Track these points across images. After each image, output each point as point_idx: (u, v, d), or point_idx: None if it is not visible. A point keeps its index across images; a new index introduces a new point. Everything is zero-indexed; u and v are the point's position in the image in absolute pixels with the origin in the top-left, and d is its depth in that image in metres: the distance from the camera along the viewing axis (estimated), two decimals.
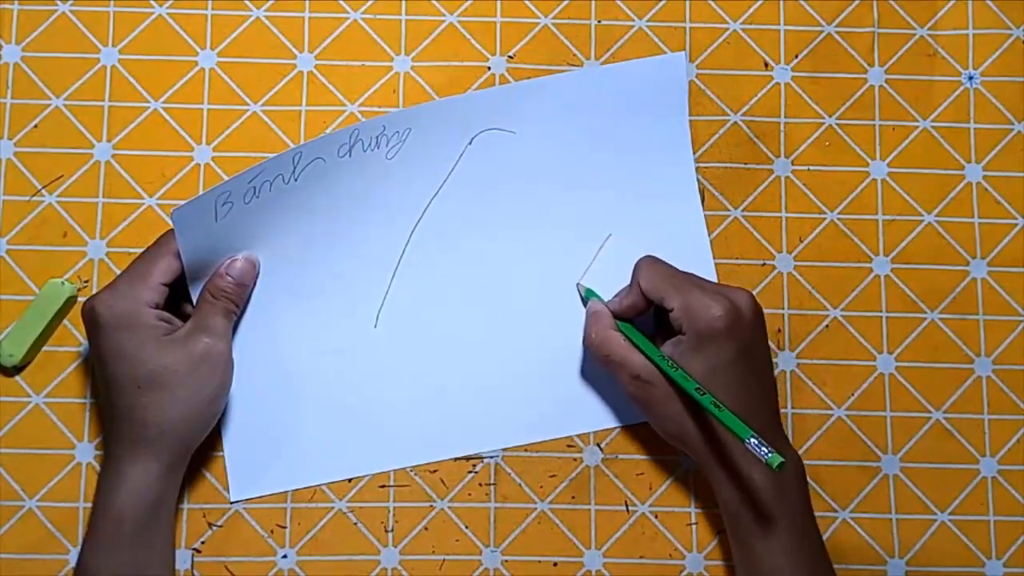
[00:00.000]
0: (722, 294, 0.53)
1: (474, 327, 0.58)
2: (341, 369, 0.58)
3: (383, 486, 0.57)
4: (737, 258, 0.60)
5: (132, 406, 0.52)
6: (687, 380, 0.51)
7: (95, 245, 0.59)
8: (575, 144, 0.59)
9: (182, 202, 0.52)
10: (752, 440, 0.48)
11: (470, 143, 0.58)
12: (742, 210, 0.61)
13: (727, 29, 0.62)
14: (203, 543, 0.57)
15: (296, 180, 0.54)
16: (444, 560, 0.57)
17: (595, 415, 0.58)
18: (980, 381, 0.59)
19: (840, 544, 0.58)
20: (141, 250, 0.55)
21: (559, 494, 0.58)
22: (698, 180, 0.60)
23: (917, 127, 0.62)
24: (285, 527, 0.57)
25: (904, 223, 0.61)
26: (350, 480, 0.57)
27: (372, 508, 0.57)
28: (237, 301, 0.55)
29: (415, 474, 0.58)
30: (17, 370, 0.58)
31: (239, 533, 0.57)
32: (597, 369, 0.57)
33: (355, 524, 0.57)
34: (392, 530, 0.57)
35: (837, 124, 0.62)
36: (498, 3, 0.62)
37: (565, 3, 0.62)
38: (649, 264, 0.56)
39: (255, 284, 0.57)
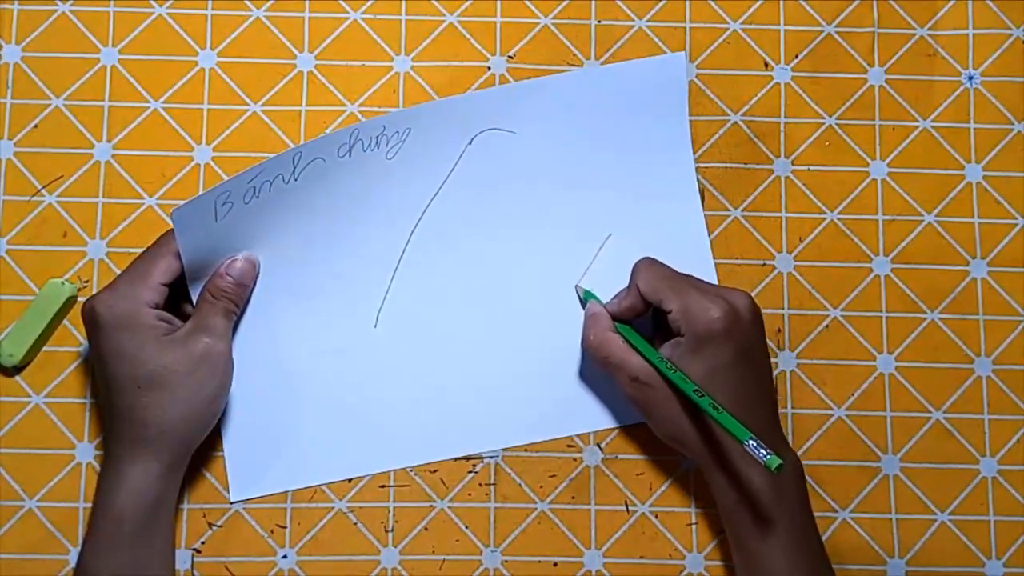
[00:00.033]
0: (720, 296, 0.53)
1: (474, 327, 0.58)
2: (341, 369, 0.58)
3: (383, 486, 0.57)
4: (737, 258, 0.60)
5: (132, 406, 0.52)
6: (686, 382, 0.51)
7: (95, 245, 0.59)
8: (575, 144, 0.59)
9: (182, 202, 0.52)
10: (751, 442, 0.48)
11: (470, 143, 0.58)
12: (742, 210, 0.61)
13: (727, 29, 0.62)
14: (203, 543, 0.57)
15: (296, 180, 0.54)
16: (444, 560, 0.57)
17: (595, 415, 0.58)
18: (980, 381, 0.59)
19: (840, 544, 0.58)
20: (141, 250, 0.55)
21: (559, 494, 0.58)
22: (698, 180, 0.60)
23: (917, 127, 0.62)
24: (285, 527, 0.57)
25: (904, 223, 0.61)
26: (350, 480, 0.57)
27: (372, 508, 0.57)
28: (237, 301, 0.55)
29: (415, 474, 0.58)
30: (17, 370, 0.58)
31: (239, 533, 0.57)
32: (596, 370, 0.57)
33: (355, 524, 0.57)
34: (392, 530, 0.57)
35: (837, 124, 0.62)
36: (498, 3, 0.62)
37: (565, 3, 0.62)
38: (647, 266, 0.56)
39: (255, 284, 0.57)
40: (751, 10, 0.62)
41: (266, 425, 0.57)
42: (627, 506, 0.58)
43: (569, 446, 0.58)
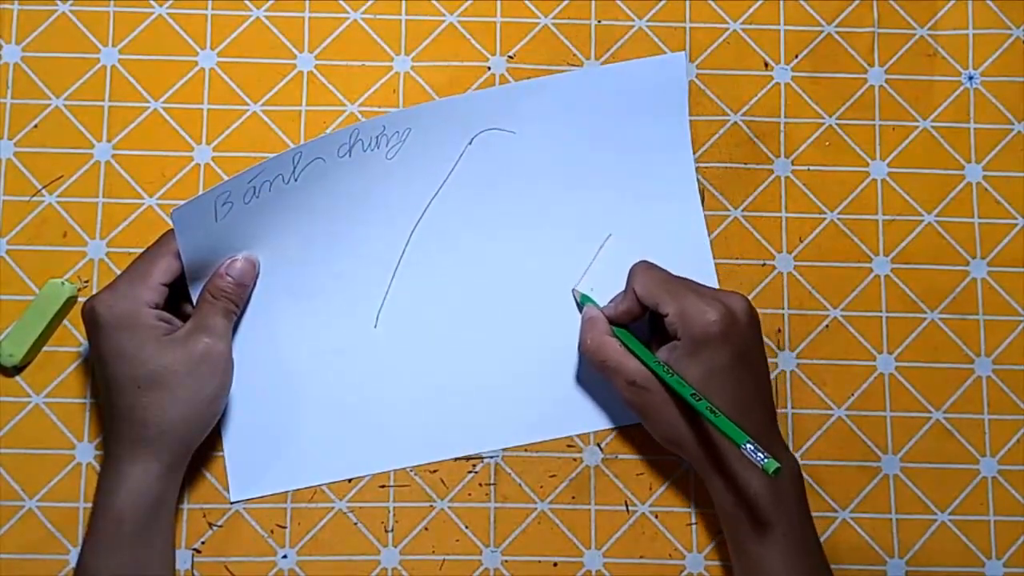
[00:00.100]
0: (717, 299, 0.53)
1: (474, 327, 0.58)
2: (341, 369, 0.58)
3: (383, 486, 0.57)
4: (737, 258, 0.60)
5: (132, 406, 0.52)
6: (683, 385, 0.51)
7: (95, 245, 0.59)
8: (575, 144, 0.59)
9: (182, 202, 0.52)
10: (748, 446, 0.48)
11: (470, 143, 0.58)
12: (742, 210, 0.61)
13: (727, 29, 0.62)
14: (203, 543, 0.57)
15: (296, 180, 0.54)
16: (444, 560, 0.57)
17: (595, 415, 0.58)
18: (980, 381, 0.59)
19: (840, 544, 0.58)
20: (141, 250, 0.55)
21: (559, 494, 0.58)
22: (698, 180, 0.60)
23: (917, 127, 0.62)
24: (285, 527, 0.57)
25: (904, 223, 0.61)
26: (350, 480, 0.57)
27: (372, 508, 0.57)
28: (237, 301, 0.55)
29: (415, 474, 0.58)
30: (17, 370, 0.58)
31: (239, 533, 0.57)
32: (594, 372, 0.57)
33: (355, 524, 0.57)
34: (392, 530, 0.57)
35: (837, 124, 0.62)
36: (498, 3, 0.62)
37: (565, 3, 0.62)
38: (644, 269, 0.56)
39: (255, 284, 0.57)
40: (751, 10, 0.62)
41: (266, 425, 0.57)
42: (627, 506, 0.58)
43: (569, 446, 0.58)
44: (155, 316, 0.53)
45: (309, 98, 0.61)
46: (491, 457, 0.58)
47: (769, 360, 0.59)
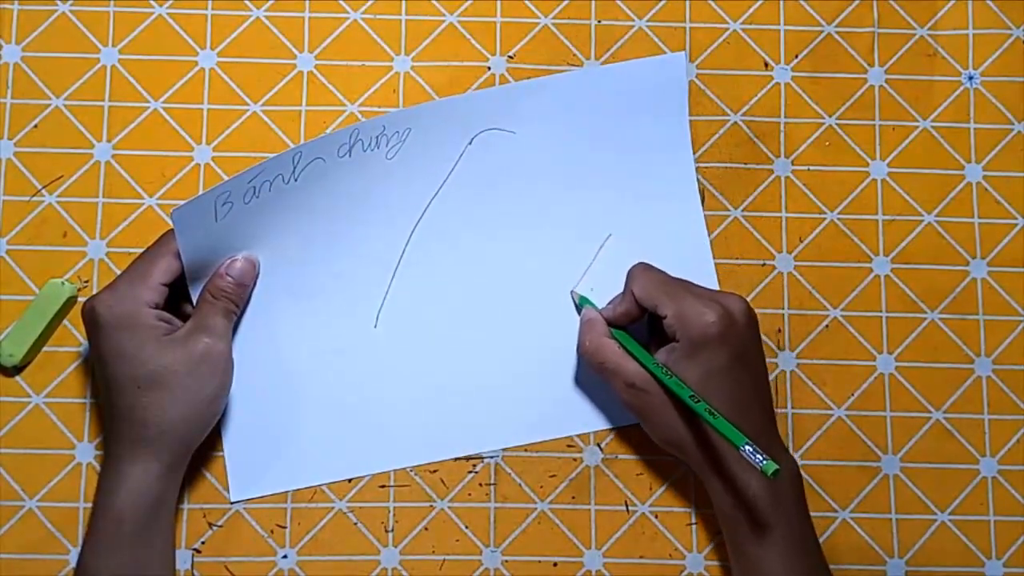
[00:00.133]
0: (715, 300, 0.53)
1: (474, 327, 0.58)
2: (341, 369, 0.58)
3: (383, 486, 0.57)
4: (737, 258, 0.60)
5: (132, 406, 0.52)
6: (681, 387, 0.51)
7: (95, 245, 0.59)
8: (575, 144, 0.59)
9: (182, 202, 0.52)
10: (747, 447, 0.48)
11: (470, 143, 0.58)
12: (742, 210, 0.61)
13: (727, 29, 0.62)
14: (203, 543, 0.57)
15: (296, 180, 0.54)
16: (444, 560, 0.57)
17: (595, 415, 0.58)
18: (980, 381, 0.59)
19: (840, 544, 0.58)
20: (141, 250, 0.55)
21: (559, 494, 0.58)
22: (698, 180, 0.60)
23: (917, 127, 0.62)
24: (285, 527, 0.57)
25: (904, 223, 0.61)
26: (350, 480, 0.57)
27: (372, 508, 0.57)
28: (237, 301, 0.55)
29: (415, 474, 0.58)
30: (17, 370, 0.58)
31: (239, 533, 0.57)
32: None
33: (355, 524, 0.57)
34: (392, 530, 0.57)
35: (837, 124, 0.62)
36: (498, 3, 0.62)
37: (565, 3, 0.62)
38: (642, 271, 0.56)
39: (255, 284, 0.57)
40: (751, 10, 0.62)
41: (266, 425, 0.57)
42: (627, 506, 0.58)
43: (569, 446, 0.58)
44: (155, 316, 0.53)
45: (309, 98, 0.61)
46: (491, 457, 0.58)
47: (769, 360, 0.59)
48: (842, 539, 0.58)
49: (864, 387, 0.59)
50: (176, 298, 0.55)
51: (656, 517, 0.58)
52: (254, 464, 0.57)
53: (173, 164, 0.60)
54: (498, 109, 0.58)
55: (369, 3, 0.62)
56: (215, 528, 0.57)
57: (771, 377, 0.59)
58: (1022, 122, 0.62)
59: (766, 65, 0.62)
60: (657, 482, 0.58)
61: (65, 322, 0.58)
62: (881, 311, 0.60)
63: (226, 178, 0.57)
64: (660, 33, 0.62)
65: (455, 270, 0.59)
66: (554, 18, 0.62)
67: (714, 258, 0.60)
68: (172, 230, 0.53)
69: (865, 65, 0.62)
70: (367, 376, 0.58)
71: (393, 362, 0.58)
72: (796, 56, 0.62)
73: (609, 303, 0.57)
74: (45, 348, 0.58)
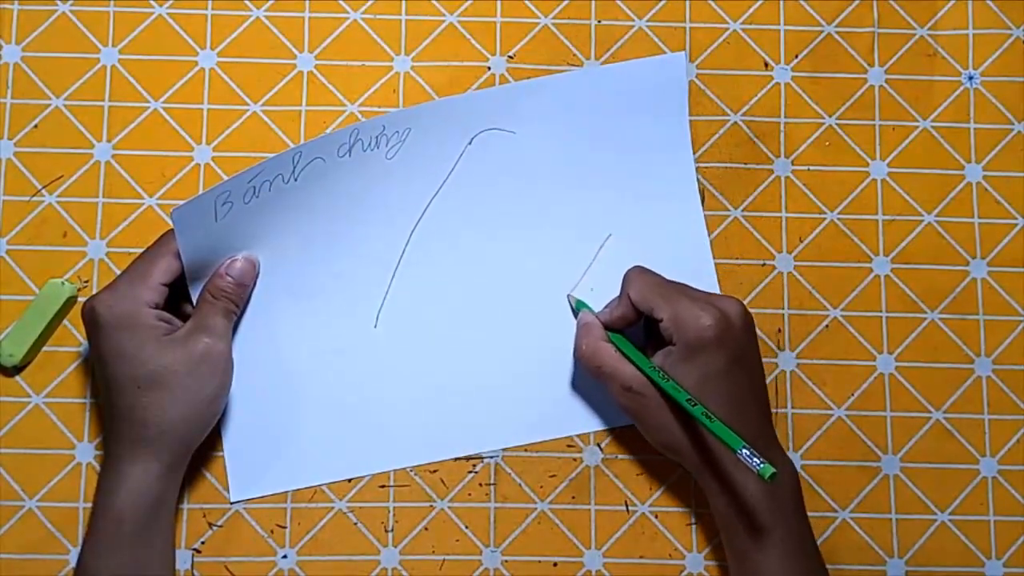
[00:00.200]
0: (712, 303, 0.53)
1: (474, 327, 0.58)
2: (341, 369, 0.58)
3: (383, 486, 0.57)
4: (737, 258, 0.60)
5: (132, 406, 0.52)
6: (678, 391, 0.51)
7: (95, 245, 0.59)
8: (575, 144, 0.59)
9: (182, 202, 0.52)
10: (744, 451, 0.48)
11: (470, 143, 0.58)
12: (742, 210, 0.61)
13: (727, 29, 0.62)
14: (203, 543, 0.57)
15: (296, 180, 0.54)
16: (444, 560, 0.57)
17: (596, 416, 0.58)
18: (980, 381, 0.59)
19: (840, 544, 0.58)
20: (141, 250, 0.55)
21: (559, 494, 0.58)
22: (698, 180, 0.60)
23: (917, 127, 0.62)
24: (285, 527, 0.57)
25: (904, 223, 0.61)
26: (350, 480, 0.57)
27: (372, 508, 0.57)
28: (237, 301, 0.55)
29: (415, 474, 0.58)
30: (17, 370, 0.58)
31: (239, 533, 0.57)
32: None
33: (355, 524, 0.57)
34: (392, 530, 0.57)
35: (837, 124, 0.62)
36: (498, 3, 0.62)
37: (565, 3, 0.62)
38: (638, 275, 0.56)
39: (255, 284, 0.57)
40: (751, 10, 0.62)
41: (266, 425, 0.57)
42: (627, 506, 0.58)
43: (569, 446, 0.58)
44: (155, 316, 0.53)
45: (309, 98, 0.61)
46: (491, 457, 0.58)
47: (769, 360, 0.59)
48: (842, 539, 0.58)
49: (864, 387, 0.59)
50: (176, 298, 0.55)
51: (656, 517, 0.58)
52: (254, 464, 0.57)
53: (173, 164, 0.60)
54: (498, 109, 0.58)
55: (369, 3, 0.62)
56: (215, 528, 0.57)
57: (771, 377, 0.59)
58: (1022, 122, 0.62)
59: (766, 65, 0.62)
60: (657, 482, 0.58)
61: (65, 322, 0.58)
62: (881, 311, 0.60)
63: (226, 178, 0.57)
64: (660, 33, 0.62)
65: (455, 270, 0.59)
66: (554, 18, 0.62)
67: (714, 258, 0.60)
68: (172, 230, 0.53)
69: (865, 65, 0.62)
70: (367, 376, 0.58)
71: (393, 362, 0.58)
72: (796, 56, 0.62)
73: (605, 307, 0.57)
74: (45, 348, 0.58)
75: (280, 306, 0.57)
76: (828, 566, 0.54)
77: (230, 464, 0.57)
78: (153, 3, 0.61)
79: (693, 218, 0.60)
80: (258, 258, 0.56)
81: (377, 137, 0.56)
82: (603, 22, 0.62)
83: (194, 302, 0.55)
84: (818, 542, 0.55)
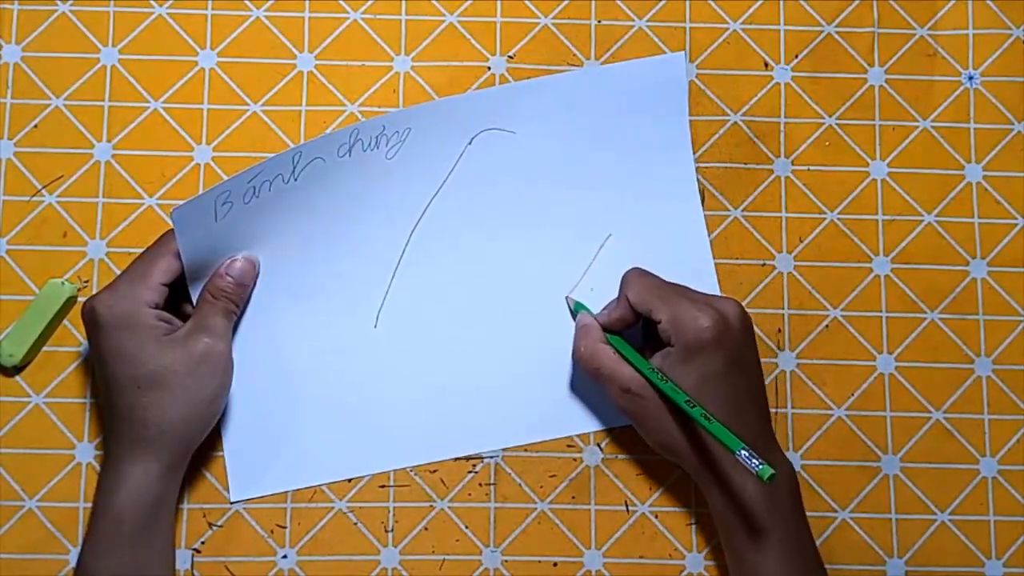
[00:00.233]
0: (710, 305, 0.53)
1: (474, 327, 0.58)
2: (341, 369, 0.58)
3: (383, 486, 0.57)
4: (737, 258, 0.60)
5: (132, 406, 0.52)
6: (677, 392, 0.51)
7: (95, 245, 0.59)
8: (575, 144, 0.59)
9: (182, 202, 0.52)
10: (743, 452, 0.48)
11: (470, 143, 0.58)
12: (742, 210, 0.61)
13: (727, 29, 0.62)
14: (203, 543, 0.57)
15: (296, 180, 0.54)
16: (444, 560, 0.57)
17: (595, 416, 0.58)
18: (980, 381, 0.59)
19: (840, 544, 0.58)
20: (141, 250, 0.55)
21: (559, 494, 0.58)
22: (698, 180, 0.60)
23: (917, 127, 0.62)
24: (285, 527, 0.57)
25: (904, 223, 0.61)
26: (350, 480, 0.57)
27: (372, 508, 0.57)
28: (237, 301, 0.55)
29: (415, 474, 0.58)
30: (17, 370, 0.58)
31: (239, 533, 0.57)
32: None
33: (355, 524, 0.57)
34: (392, 530, 0.57)
35: (837, 124, 0.62)
36: (498, 3, 0.62)
37: (565, 3, 0.62)
38: (637, 276, 0.56)
39: (255, 284, 0.57)
40: (751, 10, 0.62)
41: (266, 425, 0.57)
42: (627, 506, 0.58)
43: (569, 446, 0.58)
44: (155, 316, 0.53)
45: (309, 98, 0.61)
46: (491, 457, 0.58)
47: (769, 360, 0.59)
48: (842, 539, 0.58)
49: (864, 387, 0.59)
50: (176, 298, 0.55)
51: (656, 517, 0.58)
52: (254, 464, 0.57)
53: (173, 164, 0.60)
54: (498, 109, 0.58)
55: (369, 3, 0.62)
56: (215, 528, 0.57)
57: (771, 377, 0.59)
58: (1022, 122, 0.62)
59: (766, 65, 0.62)
60: (657, 482, 0.58)
61: (65, 322, 0.58)
62: (881, 311, 0.60)
63: (226, 178, 0.57)
64: (660, 33, 0.62)
65: (455, 270, 0.59)
66: (554, 18, 0.62)
67: (714, 258, 0.60)
68: (172, 230, 0.53)
69: (865, 65, 0.62)
70: (367, 376, 0.58)
71: (393, 362, 0.58)
72: (796, 56, 0.62)
73: (604, 308, 0.57)
74: (45, 348, 0.58)
75: (280, 306, 0.57)
76: (828, 566, 0.54)
77: (230, 464, 0.57)
78: (153, 3, 0.61)
79: (693, 218, 0.60)
80: (258, 258, 0.56)
81: (377, 137, 0.56)
82: (603, 22, 0.62)
83: (194, 302, 0.55)
84: (818, 542, 0.55)
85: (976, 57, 0.62)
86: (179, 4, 0.61)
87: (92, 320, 0.52)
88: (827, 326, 0.60)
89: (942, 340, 0.60)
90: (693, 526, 0.57)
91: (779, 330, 0.60)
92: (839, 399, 0.59)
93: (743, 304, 0.57)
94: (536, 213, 0.59)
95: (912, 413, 0.59)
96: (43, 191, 0.59)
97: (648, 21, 0.62)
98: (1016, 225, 0.61)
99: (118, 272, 0.56)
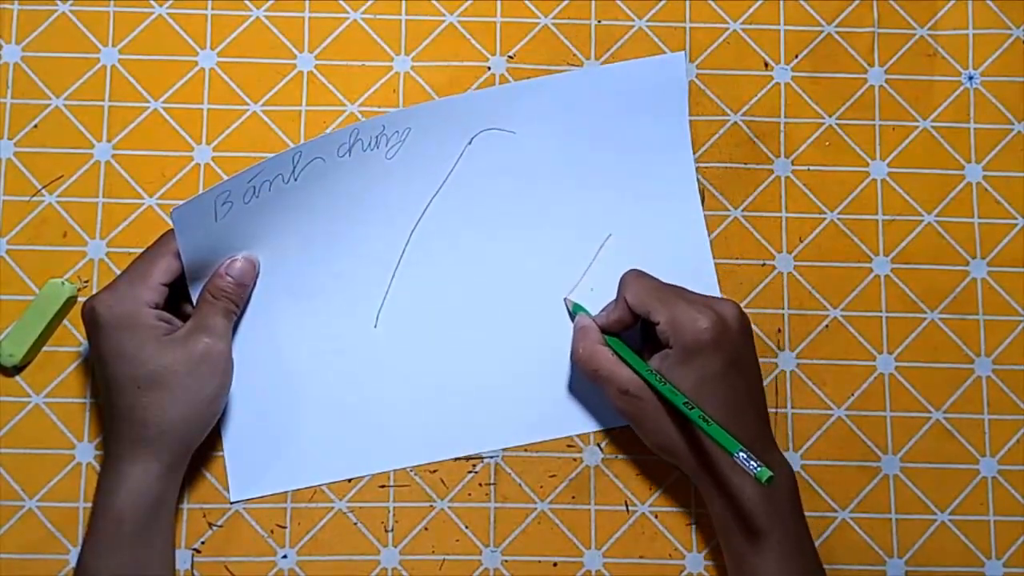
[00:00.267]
0: (708, 306, 0.53)
1: (474, 327, 0.58)
2: (341, 369, 0.58)
3: (383, 486, 0.57)
4: (737, 258, 0.60)
5: (132, 406, 0.52)
6: (675, 394, 0.51)
7: (95, 245, 0.59)
8: (575, 144, 0.59)
9: (182, 202, 0.52)
10: (741, 454, 0.48)
11: (470, 143, 0.58)
12: (742, 210, 0.61)
13: (727, 29, 0.62)
14: (203, 543, 0.57)
15: (296, 180, 0.54)
16: (444, 560, 0.57)
17: (596, 415, 0.58)
18: (980, 381, 0.59)
19: (840, 544, 0.58)
20: (141, 250, 0.55)
21: (559, 494, 0.58)
22: (698, 180, 0.60)
23: (917, 127, 0.62)
24: (285, 527, 0.57)
25: (904, 223, 0.61)
26: (350, 480, 0.57)
27: (372, 508, 0.57)
28: (237, 301, 0.55)
29: (415, 474, 0.58)
30: (17, 370, 0.58)
31: (239, 533, 0.57)
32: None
33: (355, 524, 0.57)
34: (392, 530, 0.57)
35: (837, 124, 0.62)
36: (498, 3, 0.62)
37: (565, 3, 0.62)
38: (635, 278, 0.56)
39: (255, 284, 0.57)
40: (751, 10, 0.62)
41: (266, 425, 0.57)
42: (627, 506, 0.58)
43: (569, 446, 0.58)
44: (155, 316, 0.53)
45: (309, 98, 0.61)
46: (491, 457, 0.58)
47: (769, 360, 0.59)
48: (842, 539, 0.58)
49: (864, 387, 0.59)
50: (176, 298, 0.55)
51: (656, 517, 0.58)
52: (254, 464, 0.57)
53: (173, 164, 0.60)
54: (498, 109, 0.58)
55: (369, 3, 0.62)
56: (215, 528, 0.57)
57: (771, 377, 0.59)
58: (1022, 122, 0.62)
59: (766, 65, 0.62)
60: (657, 482, 0.58)
61: (65, 322, 0.58)
62: (881, 311, 0.60)
63: (226, 178, 0.57)
64: (660, 33, 0.62)
65: (455, 270, 0.59)
66: (554, 18, 0.62)
67: (714, 258, 0.60)
68: (172, 230, 0.53)
69: (865, 65, 0.62)
70: (367, 376, 0.58)
71: (393, 362, 0.58)
72: (796, 56, 0.62)
73: (602, 310, 0.57)
74: (45, 348, 0.58)
75: (280, 306, 0.57)
76: (828, 566, 0.54)
77: (230, 464, 0.57)
78: (153, 3, 0.61)
79: (693, 218, 0.60)
80: (258, 258, 0.56)
81: (377, 137, 0.56)
82: (603, 22, 0.62)
83: (194, 302, 0.55)
84: (818, 542, 0.55)
85: (976, 57, 0.62)
86: (179, 4, 0.61)
87: (92, 320, 0.52)
88: (827, 326, 0.60)
89: (942, 340, 0.60)
90: (693, 526, 0.57)
91: (779, 330, 0.60)
92: (839, 399, 0.59)
93: (743, 304, 0.58)
94: (536, 213, 0.59)
95: (912, 413, 0.59)
96: (43, 191, 0.59)
97: (648, 21, 0.62)
98: (1016, 225, 0.61)
99: (118, 272, 0.56)
